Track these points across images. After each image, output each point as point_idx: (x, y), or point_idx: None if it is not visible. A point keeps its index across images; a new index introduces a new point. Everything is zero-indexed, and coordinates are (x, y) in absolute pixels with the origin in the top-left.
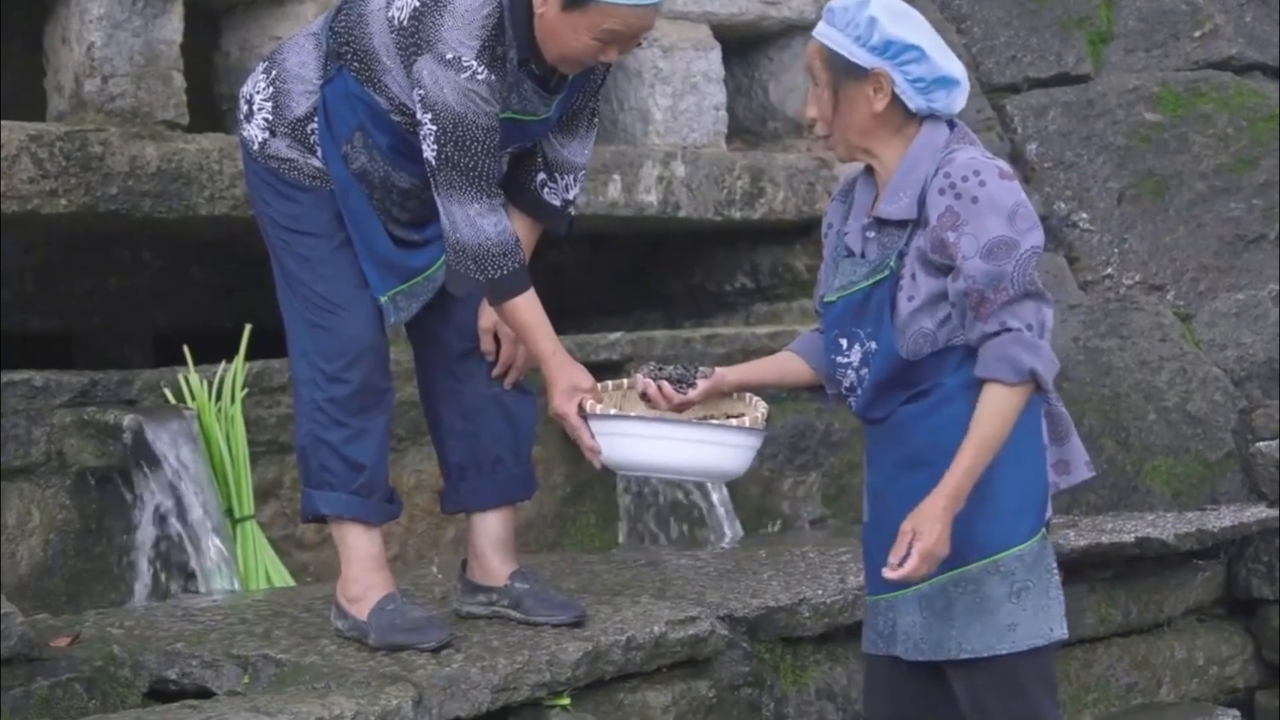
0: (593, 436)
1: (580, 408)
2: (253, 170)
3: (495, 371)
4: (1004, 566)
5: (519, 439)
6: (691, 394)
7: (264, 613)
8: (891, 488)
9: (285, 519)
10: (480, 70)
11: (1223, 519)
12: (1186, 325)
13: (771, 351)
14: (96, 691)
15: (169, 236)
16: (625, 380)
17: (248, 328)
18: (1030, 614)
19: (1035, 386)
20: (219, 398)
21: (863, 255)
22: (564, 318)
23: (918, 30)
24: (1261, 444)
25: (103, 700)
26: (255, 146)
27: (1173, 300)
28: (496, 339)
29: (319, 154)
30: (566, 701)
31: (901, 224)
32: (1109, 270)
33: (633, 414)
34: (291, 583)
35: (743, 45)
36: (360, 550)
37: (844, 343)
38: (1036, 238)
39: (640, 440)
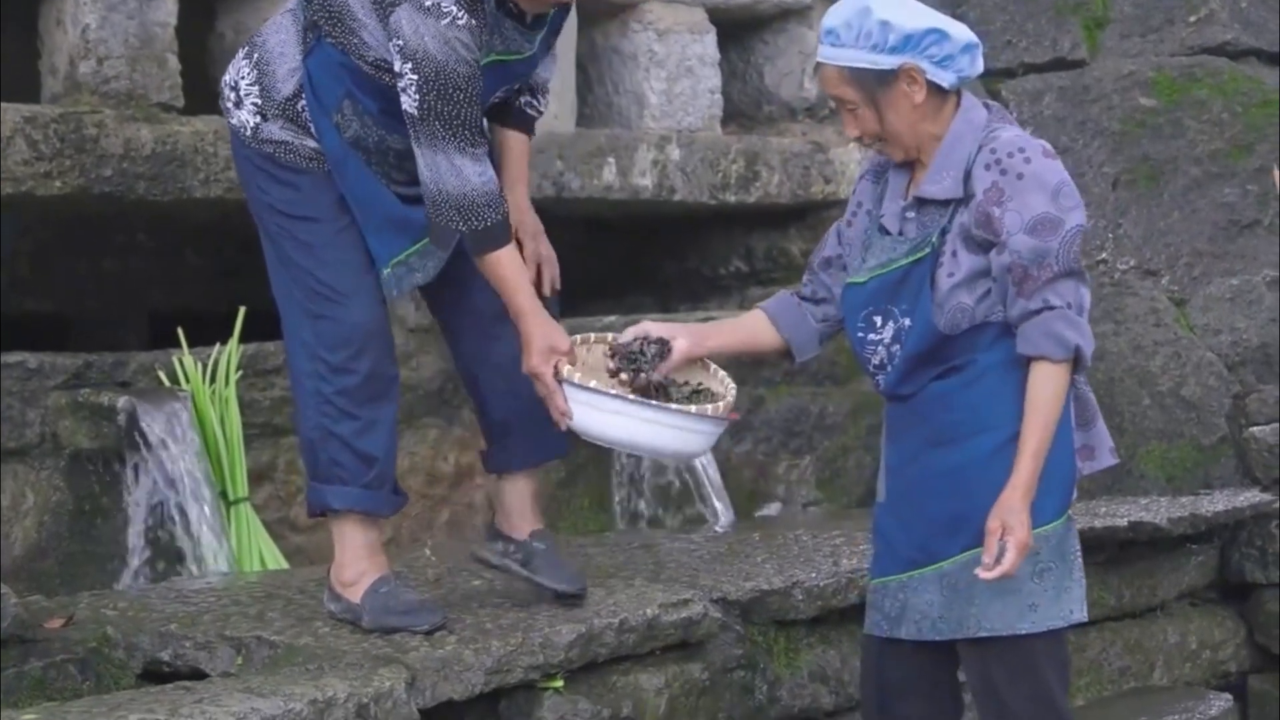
0: (565, 400)
1: (556, 370)
2: (245, 158)
3: (543, 279)
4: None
5: None
6: (654, 377)
7: (258, 594)
8: (915, 464)
9: (279, 501)
10: (460, 15)
11: (1216, 503)
12: (1181, 310)
13: None
14: (90, 673)
15: (164, 219)
16: (594, 335)
17: (242, 310)
18: (1051, 595)
19: (1076, 365)
20: (213, 380)
21: (900, 234)
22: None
23: (924, 13)
24: (1255, 429)
25: (96, 681)
26: (247, 133)
27: (1167, 285)
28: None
29: (312, 131)
30: (559, 684)
31: (944, 203)
32: (1103, 255)
33: (609, 390)
34: (285, 565)
35: (738, 29)
36: (357, 536)
37: (877, 320)
38: (1080, 216)
39: (611, 416)
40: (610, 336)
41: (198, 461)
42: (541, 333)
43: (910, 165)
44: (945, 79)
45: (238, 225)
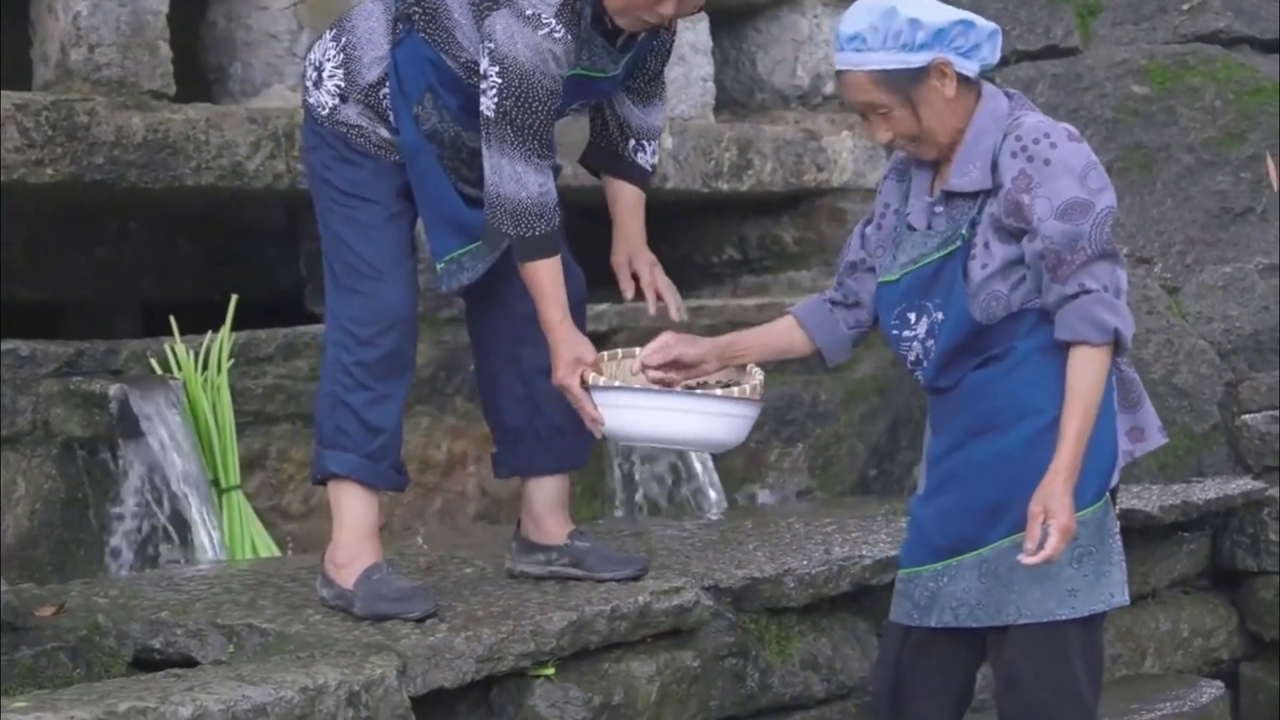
0: (595, 408)
1: (583, 380)
2: (316, 135)
3: (651, 302)
4: None
5: None
6: (691, 352)
7: (249, 582)
8: (956, 454)
9: (271, 489)
10: (559, 29)
11: (1208, 491)
12: (1173, 298)
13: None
14: (81, 660)
15: (156, 207)
16: (620, 351)
17: (234, 298)
18: (1091, 579)
19: (1116, 347)
20: (205, 368)
21: (930, 229)
22: None
23: (943, 6)
24: (1247, 416)
25: (87, 669)
26: (324, 113)
27: (1160, 273)
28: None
29: (390, 120)
30: (551, 671)
31: (972, 195)
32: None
33: (635, 386)
34: (277, 553)
35: (730, 17)
36: (354, 517)
37: (911, 317)
38: (1109, 198)
39: (640, 412)
40: (638, 351)
41: (189, 449)
42: (568, 345)
43: (933, 161)
44: (971, 69)
45: (231, 213)
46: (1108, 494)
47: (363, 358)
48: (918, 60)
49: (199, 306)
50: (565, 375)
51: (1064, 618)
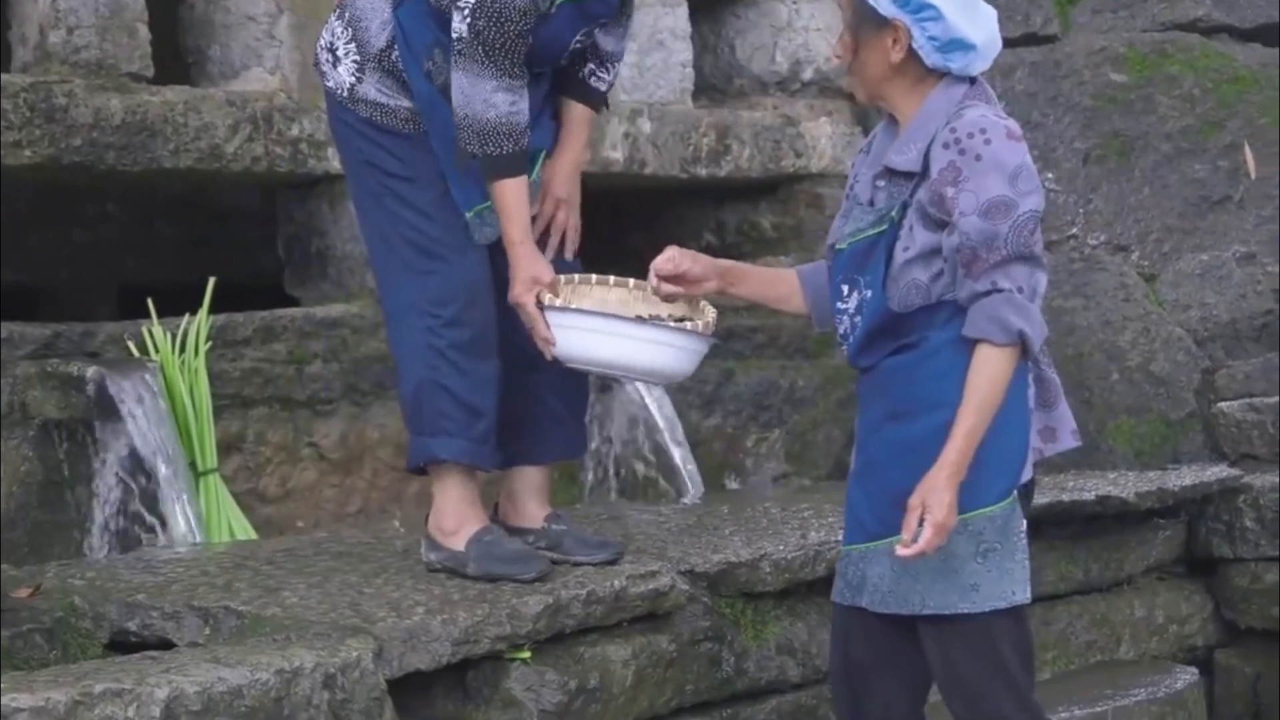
0: (548, 328)
1: (538, 299)
2: (343, 120)
3: (551, 244)
4: (972, 526)
5: (578, 395)
6: (695, 268)
7: (226, 565)
8: (876, 436)
9: (248, 472)
10: None
11: (1183, 478)
12: (1150, 286)
13: (736, 312)
14: (57, 642)
15: (135, 189)
16: (577, 276)
17: (212, 281)
18: (994, 575)
19: (1023, 351)
20: (183, 351)
21: (871, 203)
22: None
23: (981, 10)
24: (1223, 404)
25: (63, 651)
26: (344, 93)
27: (1137, 261)
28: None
29: (407, 81)
30: (527, 655)
31: (909, 175)
32: (1074, 230)
33: (588, 308)
34: (254, 536)
35: (710, 3)
36: (458, 491)
37: (845, 289)
38: (1035, 201)
39: (593, 335)
40: (577, 278)
41: (166, 432)
42: (527, 264)
43: (894, 134)
44: (930, 59)
45: (209, 196)
46: (1015, 492)
47: (456, 339)
48: (883, 8)
49: (177, 289)
50: (521, 293)
51: (966, 611)
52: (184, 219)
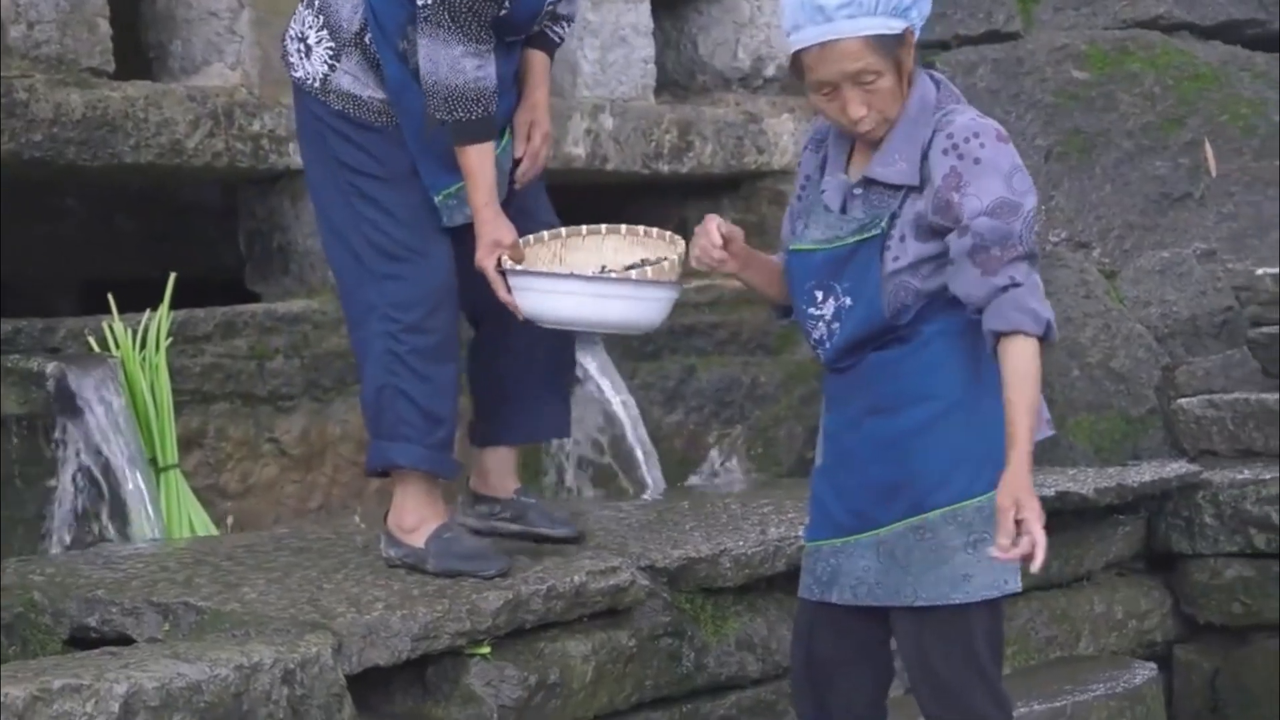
0: (509, 291)
1: (500, 262)
2: (313, 114)
3: (521, 169)
4: (962, 516)
5: (559, 374)
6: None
7: (186, 561)
8: (854, 431)
9: (209, 468)
10: None
11: (1143, 474)
12: (1111, 282)
13: (699, 306)
14: (16, 638)
15: (96, 185)
16: (546, 233)
17: (173, 276)
18: (986, 565)
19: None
20: (144, 346)
21: (843, 211)
22: None
23: None
24: (1183, 400)
25: (23, 646)
26: (316, 84)
27: (1098, 258)
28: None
29: (381, 71)
30: (487, 650)
31: (895, 187)
32: (1035, 228)
33: (542, 269)
34: (215, 531)
35: None
36: (419, 485)
37: (819, 295)
38: (1033, 200)
39: (555, 296)
40: (546, 235)
41: (127, 428)
42: (490, 228)
43: (848, 139)
44: (918, 36)
45: (170, 191)
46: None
47: (417, 345)
48: (899, 26)
49: (138, 285)
50: (483, 257)
51: (959, 602)
52: (145, 214)
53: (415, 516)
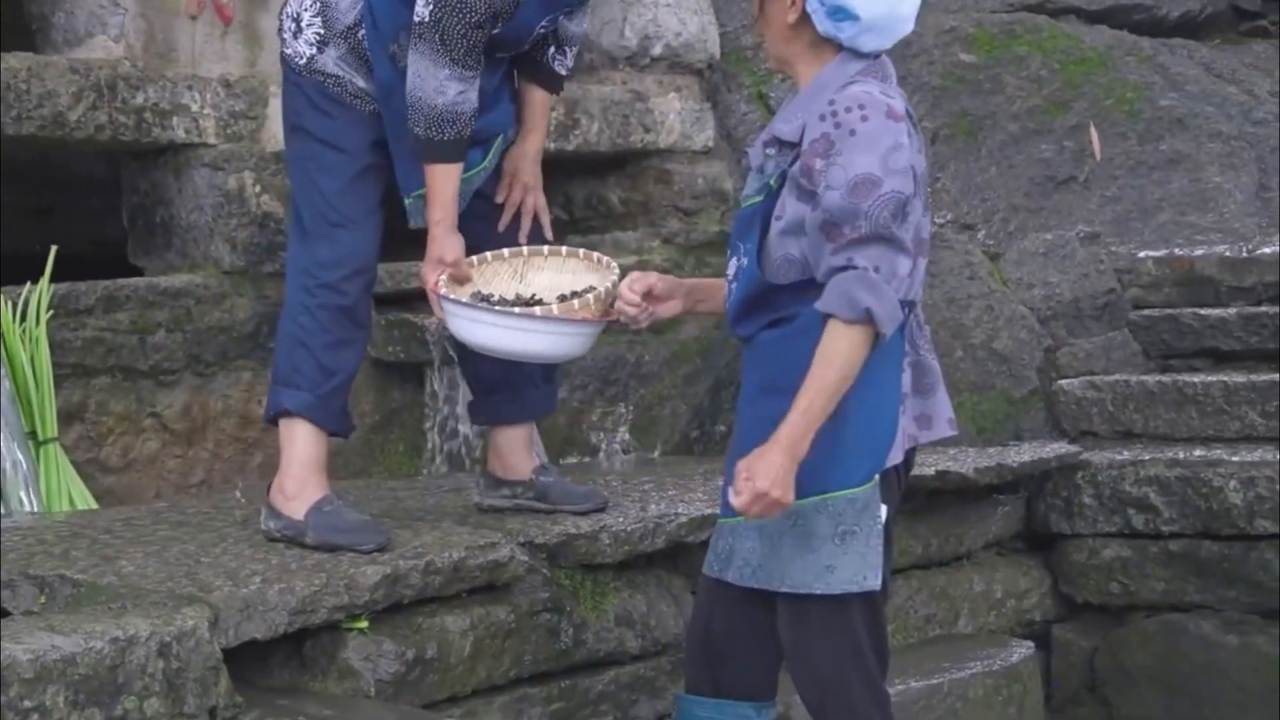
0: (442, 310)
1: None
2: (294, 85)
3: (524, 226)
4: (833, 506)
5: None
6: (660, 286)
7: (63, 534)
8: (750, 408)
9: (89, 442)
10: None
11: (1023, 454)
12: (995, 264)
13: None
14: None
15: None
16: (490, 254)
17: (54, 249)
18: (849, 559)
19: (874, 332)
20: (24, 319)
21: (761, 170)
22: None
23: None
24: (1064, 381)
25: None
26: (301, 62)
27: (983, 239)
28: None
29: (368, 60)
30: (364, 624)
31: (791, 145)
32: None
33: (464, 300)
34: (95, 505)
35: None
36: (304, 450)
37: (730, 256)
38: (901, 183)
39: (478, 326)
40: (506, 253)
41: (6, 401)
42: (437, 244)
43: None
44: (821, 25)
45: (54, 164)
46: (877, 476)
47: (327, 302)
48: None
49: (20, 258)
50: (426, 271)
51: (819, 592)
52: (28, 187)
53: (296, 483)
